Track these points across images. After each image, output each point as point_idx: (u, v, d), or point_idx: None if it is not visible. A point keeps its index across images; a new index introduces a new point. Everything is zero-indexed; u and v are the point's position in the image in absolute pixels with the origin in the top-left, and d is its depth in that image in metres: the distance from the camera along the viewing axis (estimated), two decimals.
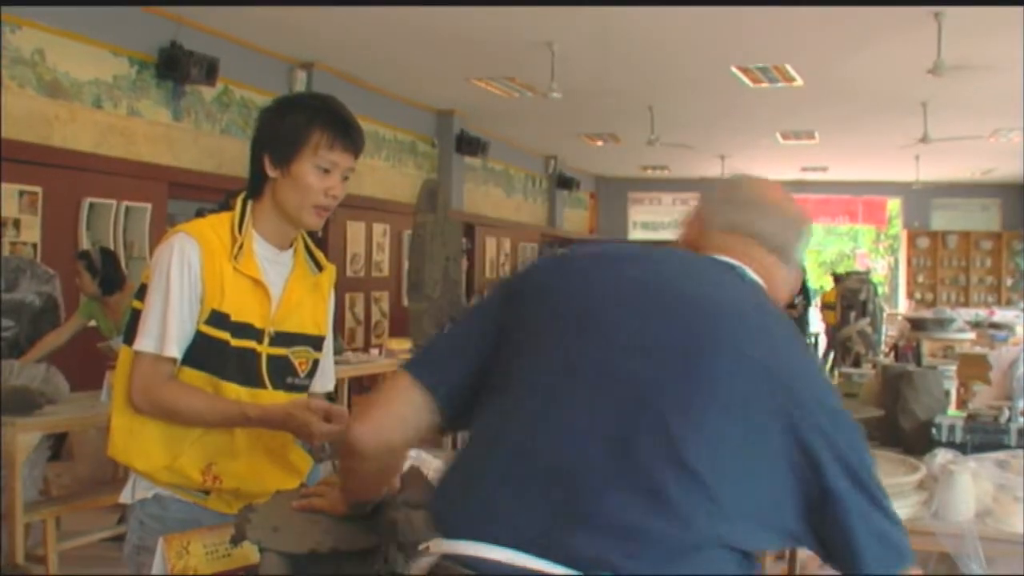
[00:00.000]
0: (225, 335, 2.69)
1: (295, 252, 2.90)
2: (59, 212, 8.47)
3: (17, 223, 8.08)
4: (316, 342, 2.93)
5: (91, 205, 8.81)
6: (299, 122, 2.74)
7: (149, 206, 9.42)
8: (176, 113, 10.21)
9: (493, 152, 16.78)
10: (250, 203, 2.81)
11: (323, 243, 11.48)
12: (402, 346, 10.06)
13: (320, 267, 2.96)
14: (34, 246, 8.19)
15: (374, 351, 10.37)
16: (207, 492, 2.76)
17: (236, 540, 2.11)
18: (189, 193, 10.05)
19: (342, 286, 12.31)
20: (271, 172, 2.75)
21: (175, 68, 9.73)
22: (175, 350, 2.67)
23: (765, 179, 2.19)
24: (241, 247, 2.72)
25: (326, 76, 12.09)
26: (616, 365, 1.73)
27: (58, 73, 8.75)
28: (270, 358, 2.78)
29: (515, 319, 1.88)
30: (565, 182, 21.49)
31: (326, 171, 2.73)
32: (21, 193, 8.15)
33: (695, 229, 2.11)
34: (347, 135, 2.77)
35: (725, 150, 19.12)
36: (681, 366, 1.71)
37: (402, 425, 1.93)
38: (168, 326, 2.66)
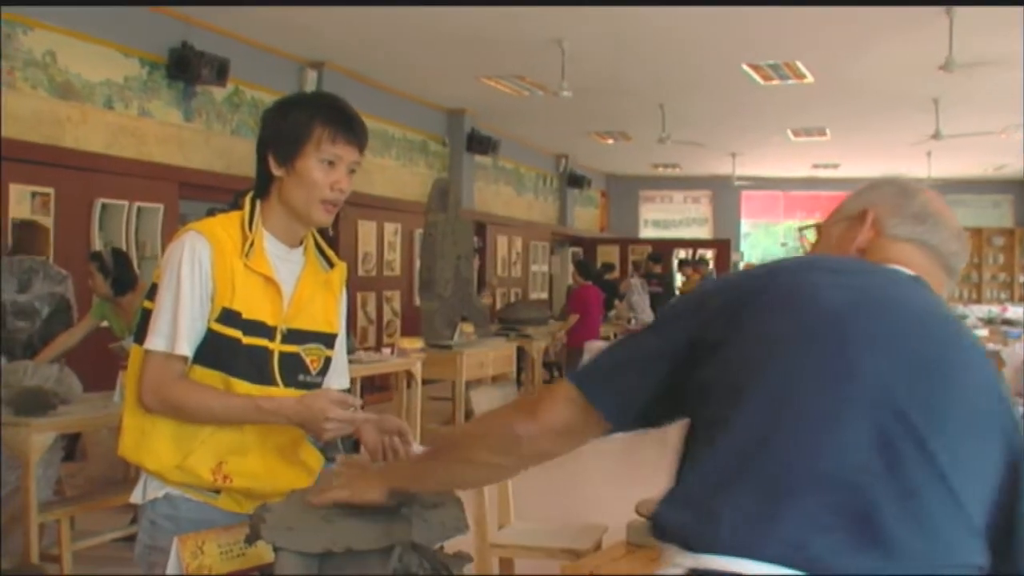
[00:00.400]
0: (237, 333, 2.68)
1: (305, 250, 2.89)
2: (71, 213, 8.49)
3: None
4: (328, 339, 2.92)
5: (103, 206, 8.83)
6: (301, 119, 2.74)
7: (161, 206, 9.44)
8: (187, 114, 10.23)
9: (504, 151, 16.79)
10: (258, 202, 2.80)
11: (334, 242, 11.50)
12: (414, 345, 10.05)
13: (331, 264, 2.96)
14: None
15: (386, 350, 10.36)
16: (217, 491, 2.75)
17: (251, 540, 2.11)
18: (200, 193, 10.07)
19: (354, 285, 12.34)
20: (276, 171, 2.75)
21: (186, 69, 9.76)
22: (186, 348, 2.67)
23: (933, 191, 2.11)
24: (252, 244, 2.72)
25: (336, 76, 12.10)
26: (871, 377, 1.68)
27: (69, 74, 8.77)
28: (282, 356, 2.78)
29: (734, 333, 1.77)
30: (576, 180, 21.49)
31: (331, 164, 2.73)
32: (34, 194, 8.18)
33: (869, 235, 2.03)
34: (349, 128, 2.76)
35: (736, 147, 19.11)
36: (936, 380, 1.70)
37: (567, 435, 1.92)
38: (179, 324, 2.66)
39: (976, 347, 1.85)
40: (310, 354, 2.85)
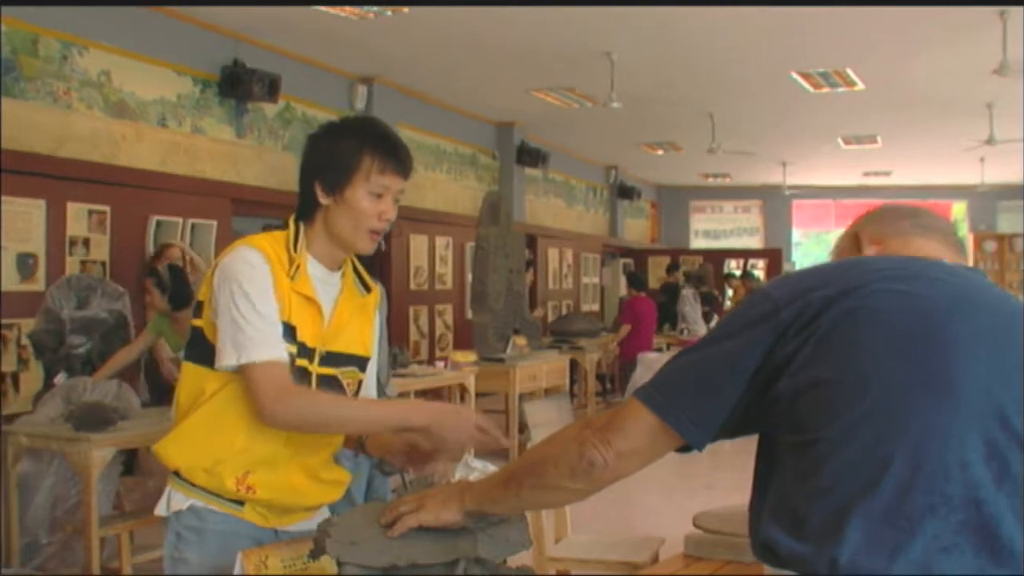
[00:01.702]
0: (292, 349, 2.68)
1: (343, 274, 2.90)
2: (127, 230, 8.57)
3: (87, 242, 8.20)
4: (363, 363, 2.93)
5: (158, 223, 8.91)
6: (349, 148, 2.75)
7: (214, 223, 9.51)
8: (239, 130, 10.30)
9: (554, 163, 16.79)
10: (302, 225, 2.81)
11: (386, 257, 11.56)
12: (467, 358, 10.07)
13: (368, 288, 2.97)
14: (103, 264, 8.30)
15: (439, 364, 10.38)
16: (241, 503, 2.75)
17: (315, 554, 2.12)
18: (253, 209, 10.14)
19: (406, 299, 12.39)
20: (323, 199, 2.75)
21: (237, 86, 9.83)
22: (280, 352, 2.65)
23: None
24: (298, 267, 2.72)
25: (386, 90, 12.15)
26: (974, 386, 1.67)
27: (124, 93, 8.86)
28: (320, 378, 2.77)
29: (817, 344, 1.72)
30: (626, 191, 21.45)
31: (379, 196, 2.74)
32: (90, 212, 8.26)
33: (873, 249, 2.05)
34: (397, 158, 2.78)
35: (787, 156, 19.00)
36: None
37: (642, 457, 1.88)
38: (270, 331, 2.64)
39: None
40: (346, 377, 2.86)
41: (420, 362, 11.28)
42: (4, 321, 7.42)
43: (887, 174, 21.22)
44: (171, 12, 9.17)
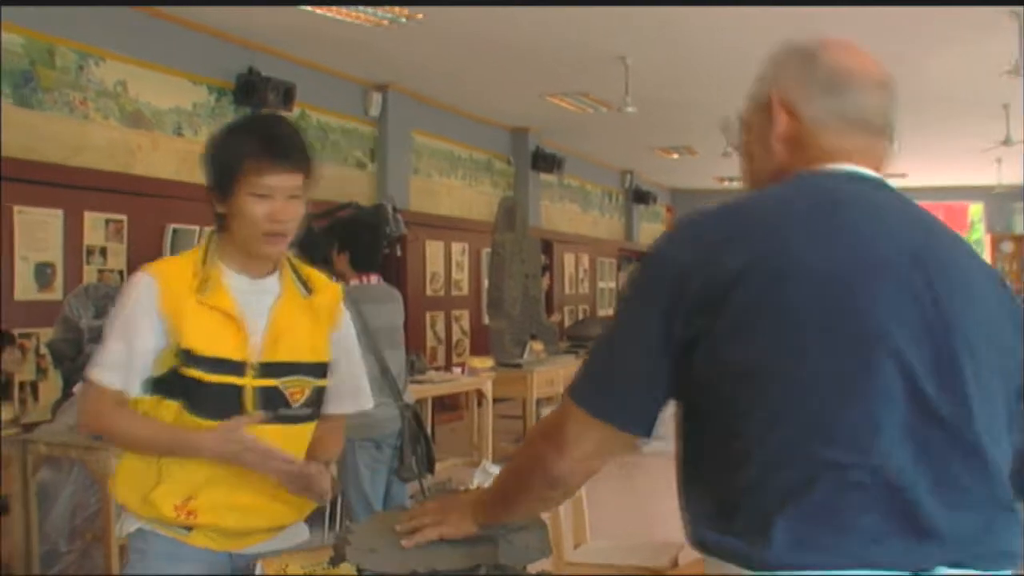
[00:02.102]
0: (197, 372, 2.62)
1: (282, 278, 2.81)
2: (144, 239, 8.60)
3: (104, 251, 8.24)
4: (315, 369, 2.81)
5: (174, 231, 8.94)
6: (228, 155, 2.67)
7: None
8: None
9: (569, 168, 16.78)
10: (216, 238, 2.76)
11: (402, 263, 11.56)
12: (484, 364, 10.07)
13: (310, 289, 2.86)
14: (120, 273, 8.32)
15: (456, 369, 10.39)
16: (189, 528, 2.69)
17: (335, 561, 2.12)
18: None
19: (422, 305, 12.39)
20: (220, 208, 2.70)
21: (252, 94, 9.85)
22: (137, 387, 2.64)
23: (840, 41, 1.91)
24: (206, 281, 2.66)
25: (401, 97, 12.16)
26: (891, 367, 1.60)
27: (140, 103, 8.90)
28: (257, 390, 2.69)
29: (727, 323, 1.61)
30: (641, 196, 21.43)
31: (264, 196, 2.63)
32: (107, 222, 8.30)
33: (785, 121, 1.82)
34: (279, 155, 2.65)
35: None
36: (947, 338, 1.65)
37: (603, 455, 1.82)
38: (131, 361, 2.62)
39: (971, 257, 1.78)
40: (291, 386, 2.75)
41: (437, 368, 11.30)
42: (22, 330, 7.44)
43: (903, 175, 21.12)
44: (186, 22, 9.21)
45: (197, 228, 9.12)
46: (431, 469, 5.87)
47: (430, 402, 9.35)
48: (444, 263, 13.39)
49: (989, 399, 1.66)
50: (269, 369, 2.71)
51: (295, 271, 2.86)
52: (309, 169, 2.73)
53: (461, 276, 13.82)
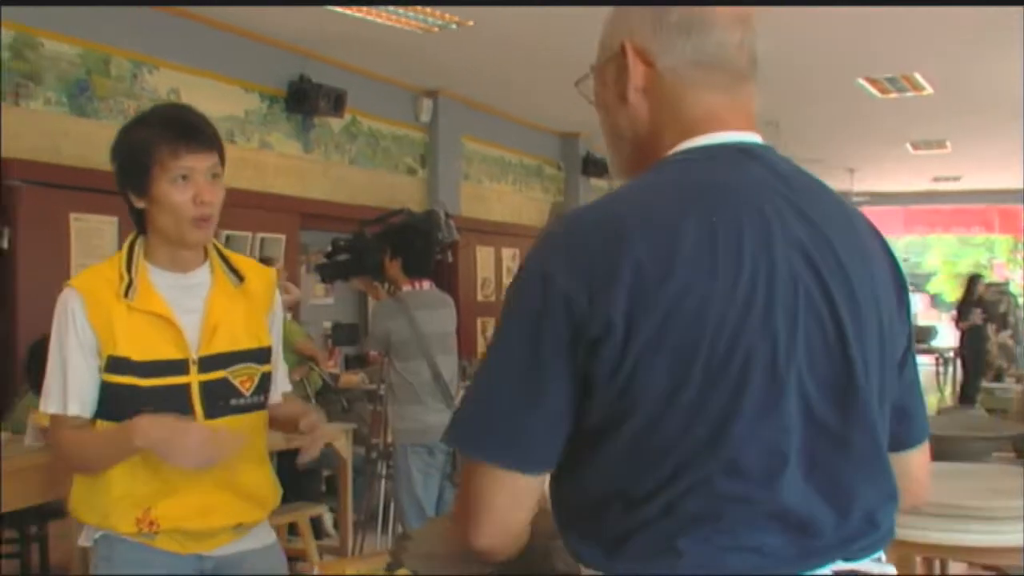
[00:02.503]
0: (131, 379, 2.59)
1: (211, 269, 2.79)
2: None
3: None
4: (258, 355, 2.78)
5: (228, 237, 8.99)
6: (137, 145, 2.64)
7: (283, 237, 9.59)
8: (306, 145, 10.38)
9: None
10: (140, 239, 2.74)
11: (453, 269, 11.57)
12: None
13: (241, 277, 2.83)
14: None
15: None
16: (154, 534, 2.66)
17: (392, 567, 2.12)
18: (320, 223, 10.21)
19: (473, 310, 12.41)
20: (139, 203, 2.67)
21: (304, 101, 9.91)
22: (75, 407, 2.60)
23: None
24: (130, 285, 2.63)
25: (451, 103, 12.19)
26: (791, 373, 1.50)
27: None
28: (204, 385, 2.66)
29: (612, 330, 1.44)
30: None
31: (184, 179, 2.61)
32: None
33: (640, 71, 1.64)
34: (187, 136, 2.62)
35: (854, 163, 18.81)
36: (836, 326, 1.54)
37: (524, 514, 1.58)
38: (66, 383, 2.60)
39: (852, 221, 1.68)
40: (239, 375, 2.72)
41: None
42: None
43: (957, 179, 20.93)
44: (239, 30, 9.27)
45: (249, 234, 9.19)
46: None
47: None
48: (495, 269, 13.39)
49: (881, 399, 1.60)
50: (212, 361, 2.67)
51: (223, 259, 2.84)
52: (220, 148, 2.73)
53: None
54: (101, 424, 2.63)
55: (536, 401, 1.49)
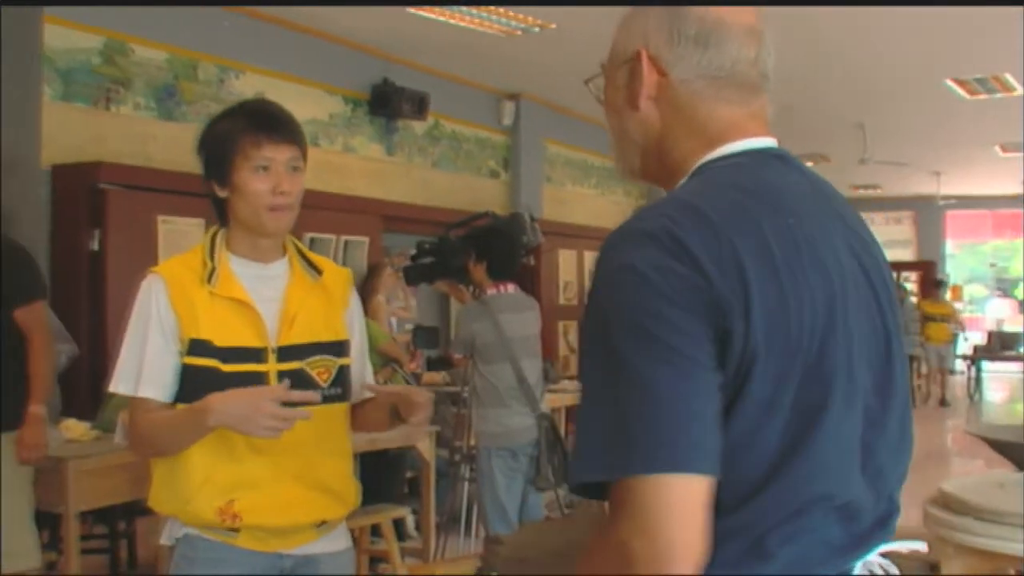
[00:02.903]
0: (212, 362, 2.62)
1: (289, 262, 2.83)
2: None
3: None
4: (335, 348, 2.80)
5: (311, 240, 9.06)
6: (220, 135, 2.72)
7: (366, 239, 9.64)
8: (389, 148, 10.44)
9: None
10: (222, 231, 2.79)
11: (535, 272, 11.57)
12: None
13: (318, 271, 2.86)
14: None
15: None
16: (235, 530, 2.67)
17: (482, 571, 2.11)
18: (403, 226, 10.26)
19: (555, 314, 12.40)
20: (221, 193, 2.73)
21: (387, 104, 9.98)
22: (149, 389, 2.63)
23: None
24: (213, 272, 2.68)
25: (533, 106, 12.20)
26: (853, 383, 1.52)
27: None
28: (282, 375, 2.67)
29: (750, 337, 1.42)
30: None
31: (265, 169, 2.67)
32: None
33: (653, 79, 1.65)
34: (270, 127, 2.70)
35: (940, 166, 18.54)
36: (866, 344, 1.56)
37: (705, 530, 1.41)
38: (141, 365, 2.63)
39: (862, 220, 1.71)
40: (316, 367, 2.75)
41: (570, 377, 11.26)
42: None
43: None
44: (323, 34, 9.36)
45: (333, 237, 9.24)
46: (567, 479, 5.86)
47: (563, 412, 9.33)
48: (577, 272, 13.36)
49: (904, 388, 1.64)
50: (289, 352, 2.71)
51: (301, 255, 2.88)
52: (302, 143, 2.79)
53: None
54: (181, 407, 2.66)
55: (703, 397, 1.40)
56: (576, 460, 1.46)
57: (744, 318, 1.41)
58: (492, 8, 8.75)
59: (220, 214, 2.81)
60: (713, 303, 1.40)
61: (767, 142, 1.64)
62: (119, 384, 2.67)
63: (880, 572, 1.59)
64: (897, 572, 1.63)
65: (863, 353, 1.53)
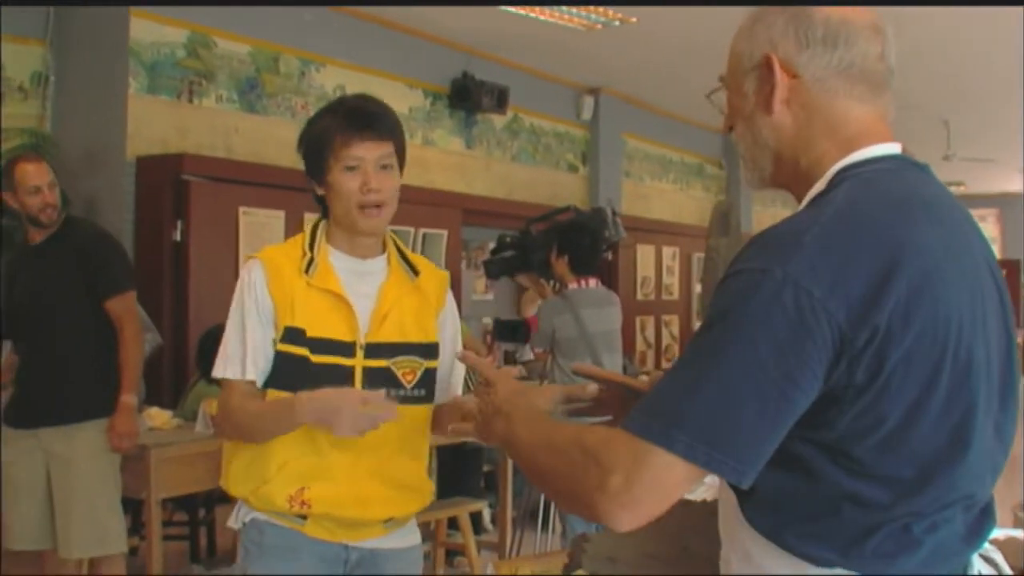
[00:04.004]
0: (303, 351, 2.65)
1: (388, 260, 2.84)
2: None
3: None
4: (424, 350, 2.80)
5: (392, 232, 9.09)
6: (314, 136, 2.76)
7: (445, 232, 9.65)
8: (468, 142, 10.45)
9: None
10: (323, 222, 2.82)
11: (613, 267, 11.52)
12: None
13: (416, 272, 2.87)
14: None
15: None
16: (304, 517, 2.69)
17: (570, 568, 2.09)
18: (482, 219, 10.26)
19: (633, 309, 12.36)
20: (319, 191, 2.77)
21: (467, 98, 9.98)
22: (252, 372, 2.66)
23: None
24: (312, 262, 2.71)
25: (613, 100, 12.14)
26: (977, 384, 1.55)
27: None
28: (368, 371, 2.69)
29: (885, 389, 1.46)
30: None
31: (354, 168, 2.70)
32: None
33: (786, 83, 1.66)
34: (360, 125, 2.72)
35: None
36: (989, 345, 1.60)
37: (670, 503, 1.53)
38: (245, 348, 2.66)
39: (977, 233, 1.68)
40: (402, 367, 2.75)
41: (647, 372, 11.22)
42: None
43: None
44: (403, 27, 9.38)
45: (412, 230, 9.26)
46: None
47: None
48: (655, 267, 13.30)
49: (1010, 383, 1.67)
50: (378, 349, 2.72)
51: (401, 254, 2.89)
52: (397, 139, 2.81)
53: (672, 281, 13.69)
54: (272, 394, 2.69)
55: (778, 421, 1.47)
56: (634, 410, 1.54)
57: (885, 337, 1.44)
58: (573, 2, 8.72)
59: (321, 208, 2.85)
60: (842, 327, 1.44)
61: (897, 148, 1.68)
62: (226, 369, 2.71)
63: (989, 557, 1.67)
64: (1001, 557, 1.68)
65: (997, 356, 1.58)
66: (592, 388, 2.04)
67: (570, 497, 1.58)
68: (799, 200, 1.73)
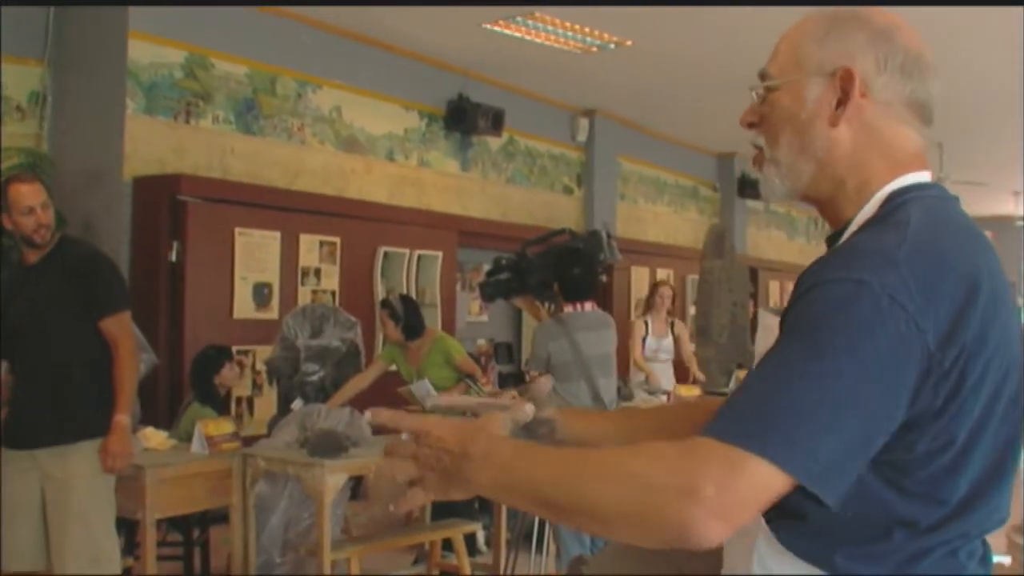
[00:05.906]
0: None
1: None
2: (356, 261, 8.79)
3: (318, 272, 8.45)
4: None
5: (385, 254, 9.11)
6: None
7: (440, 254, 9.67)
8: (464, 163, 10.48)
9: None
10: None
11: (608, 289, 11.53)
12: (690, 392, 9.94)
13: None
14: (333, 294, 8.54)
15: (663, 397, 10.30)
16: None
17: None
18: (478, 241, 10.28)
19: (627, 331, 12.35)
20: None
21: (462, 120, 10.02)
22: None
23: (898, 17, 1.70)
24: None
25: (608, 123, 12.19)
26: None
27: (354, 129, 9.14)
28: None
29: (960, 408, 1.47)
30: None
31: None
32: (321, 243, 8.51)
33: (861, 112, 1.64)
34: None
35: (1020, 186, 18.27)
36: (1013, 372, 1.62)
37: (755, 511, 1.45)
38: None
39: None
40: None
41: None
42: (240, 347, 7.68)
43: None
44: (399, 49, 9.43)
45: (407, 251, 9.29)
46: None
47: None
48: (649, 289, 13.29)
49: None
50: None
51: None
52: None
53: None
54: None
55: (877, 437, 1.45)
56: (723, 417, 1.45)
57: (964, 363, 1.46)
58: (569, 24, 8.75)
59: None
60: (931, 350, 1.44)
61: (930, 176, 1.68)
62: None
63: None
64: None
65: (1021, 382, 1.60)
66: (528, 408, 1.95)
67: (638, 520, 1.43)
68: (824, 215, 1.71)
